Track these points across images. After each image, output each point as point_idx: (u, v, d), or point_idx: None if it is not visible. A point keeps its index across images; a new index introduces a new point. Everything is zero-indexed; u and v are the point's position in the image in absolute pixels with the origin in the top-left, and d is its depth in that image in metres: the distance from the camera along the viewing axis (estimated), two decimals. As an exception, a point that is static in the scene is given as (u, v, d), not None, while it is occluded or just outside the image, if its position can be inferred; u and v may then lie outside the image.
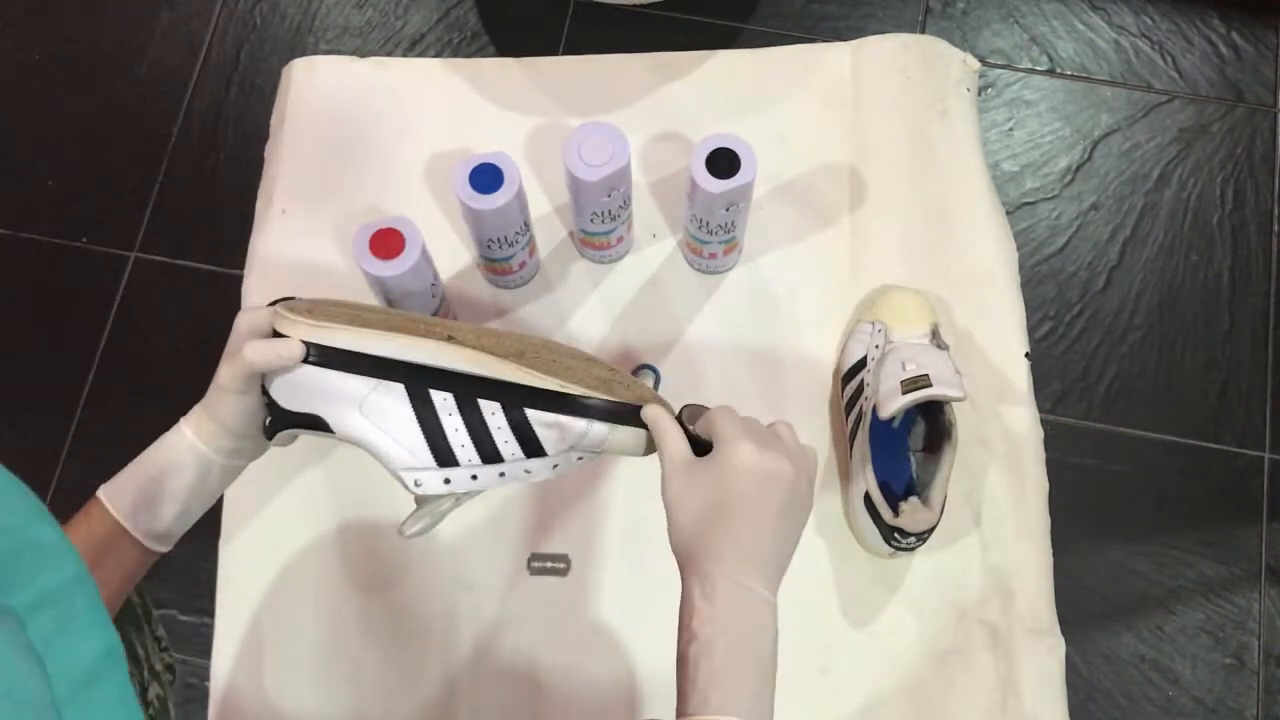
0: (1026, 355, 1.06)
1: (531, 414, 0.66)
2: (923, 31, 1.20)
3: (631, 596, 0.98)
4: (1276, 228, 1.14)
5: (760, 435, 0.64)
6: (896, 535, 0.91)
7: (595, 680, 0.96)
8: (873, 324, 1.02)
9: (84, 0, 1.24)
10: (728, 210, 0.96)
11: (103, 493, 0.69)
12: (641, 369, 0.76)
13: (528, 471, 0.67)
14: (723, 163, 0.93)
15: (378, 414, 0.66)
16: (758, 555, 0.60)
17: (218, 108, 1.19)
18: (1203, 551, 1.03)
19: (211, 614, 0.99)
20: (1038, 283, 1.11)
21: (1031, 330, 1.08)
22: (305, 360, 0.66)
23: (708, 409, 0.68)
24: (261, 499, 1.01)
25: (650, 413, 0.66)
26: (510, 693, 0.96)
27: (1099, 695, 0.99)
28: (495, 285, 1.08)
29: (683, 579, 0.63)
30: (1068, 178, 1.15)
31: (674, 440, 0.64)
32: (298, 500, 1.00)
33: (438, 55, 1.19)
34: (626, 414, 0.67)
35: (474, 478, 0.66)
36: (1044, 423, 1.04)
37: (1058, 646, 0.97)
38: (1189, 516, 1.04)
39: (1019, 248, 1.10)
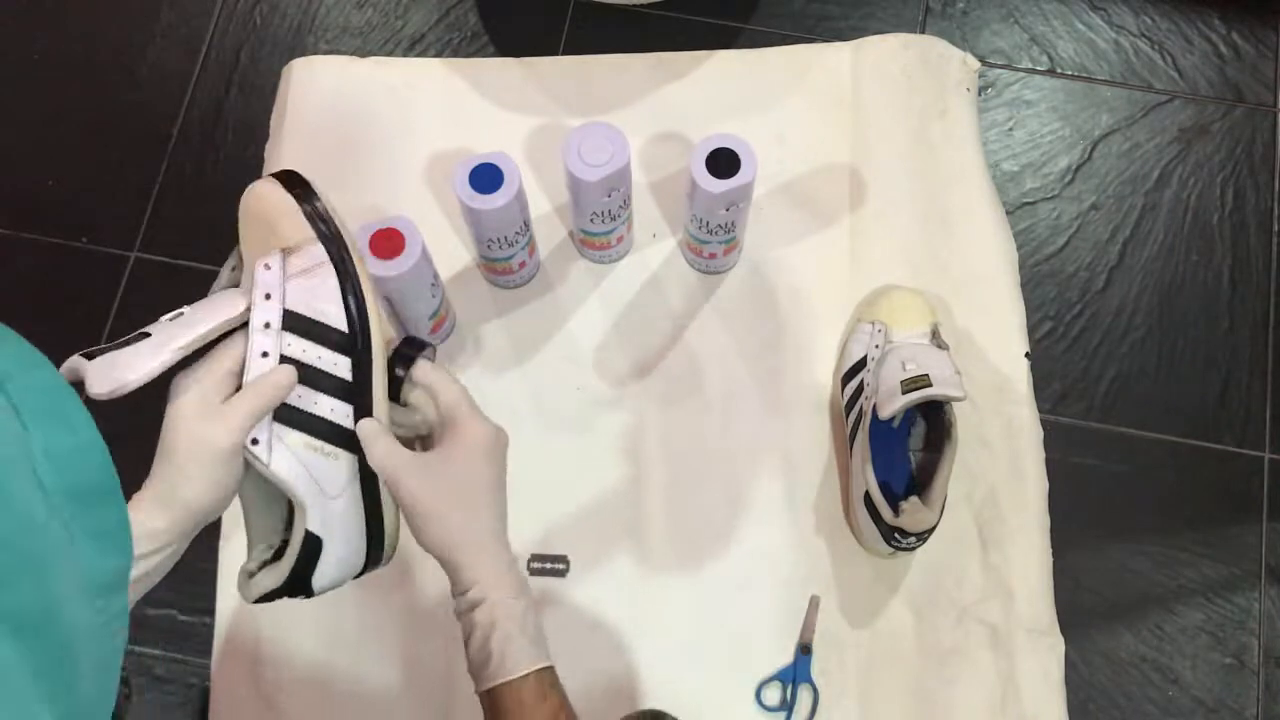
0: (1026, 355, 1.06)
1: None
2: (923, 31, 1.20)
3: (631, 596, 0.98)
4: (1276, 227, 1.14)
5: (471, 399, 0.67)
6: (896, 535, 0.91)
7: (595, 680, 0.96)
8: (873, 324, 1.02)
9: (84, 0, 1.24)
10: (728, 210, 0.96)
11: None
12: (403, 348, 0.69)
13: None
14: (723, 163, 0.93)
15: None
16: (502, 523, 0.66)
17: (218, 108, 1.19)
18: (1203, 551, 1.03)
19: (211, 614, 0.99)
20: (1038, 283, 1.11)
21: (1031, 330, 1.08)
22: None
23: (420, 354, 0.68)
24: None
25: (362, 429, 0.64)
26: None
27: (1099, 695, 0.99)
28: (495, 285, 1.08)
29: (449, 569, 0.65)
30: (1068, 178, 1.15)
31: (387, 447, 0.64)
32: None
33: (438, 55, 1.19)
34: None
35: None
36: (1044, 423, 1.04)
37: (1058, 646, 0.97)
38: (1189, 516, 1.04)
39: (1019, 248, 1.10)
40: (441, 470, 0.65)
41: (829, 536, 1.00)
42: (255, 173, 1.14)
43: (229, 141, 1.18)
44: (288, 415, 0.63)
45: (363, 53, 1.19)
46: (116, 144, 1.18)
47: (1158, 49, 1.20)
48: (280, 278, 0.63)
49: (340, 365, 0.64)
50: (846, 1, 1.22)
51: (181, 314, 0.64)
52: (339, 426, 0.64)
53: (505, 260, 1.02)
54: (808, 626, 0.97)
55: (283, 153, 1.12)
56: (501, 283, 1.07)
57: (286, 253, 0.64)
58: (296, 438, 0.63)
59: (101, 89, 1.20)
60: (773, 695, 0.96)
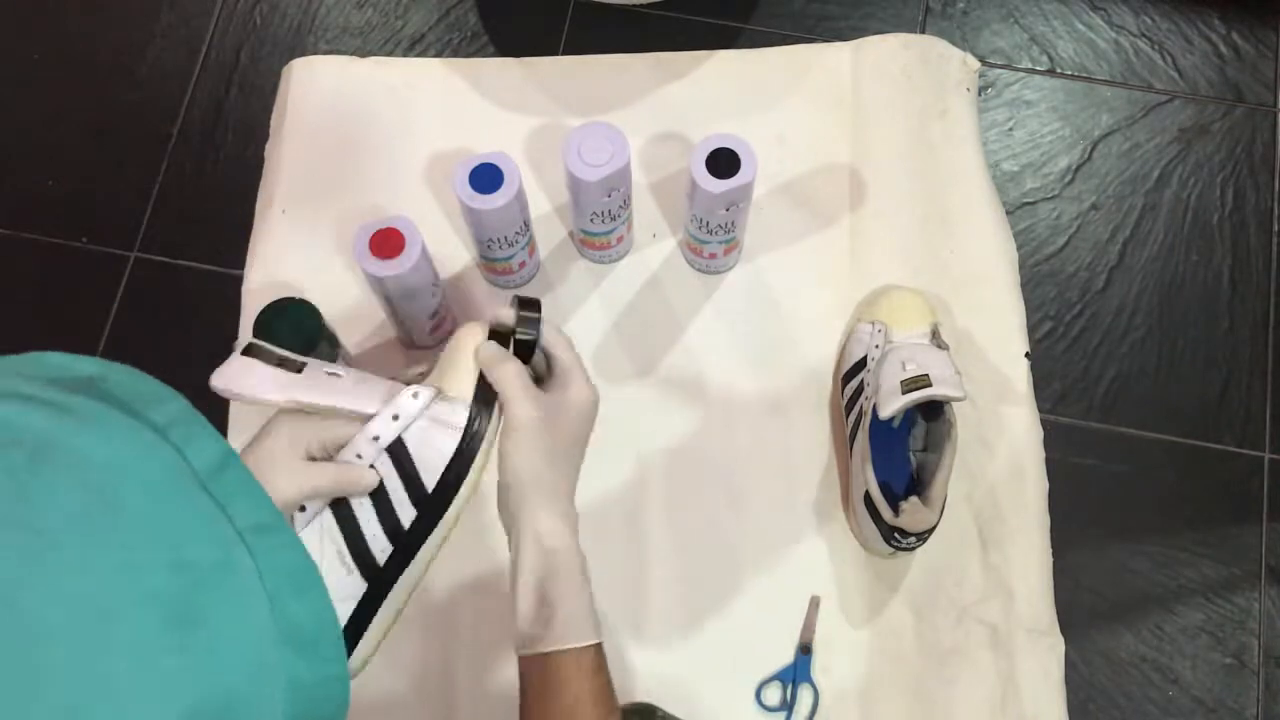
0: (1026, 355, 1.06)
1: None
2: (923, 31, 1.20)
3: (631, 596, 0.98)
4: (1276, 227, 1.14)
5: (581, 361, 0.71)
6: (896, 535, 0.91)
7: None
8: (873, 324, 1.02)
9: (84, 0, 1.24)
10: (728, 210, 0.96)
11: None
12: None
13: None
14: (723, 163, 0.93)
15: None
16: (575, 478, 0.69)
17: (218, 108, 1.19)
18: (1203, 551, 1.03)
19: (211, 614, 0.99)
20: (1038, 283, 1.11)
21: (1031, 330, 1.08)
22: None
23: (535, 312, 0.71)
24: (261, 499, 1.01)
25: (485, 351, 0.68)
26: (511, 692, 0.95)
27: (1099, 695, 0.99)
28: (495, 285, 1.08)
29: (521, 503, 0.66)
30: (1068, 178, 1.15)
31: (515, 369, 0.68)
32: (298, 500, 1.00)
33: (438, 55, 1.19)
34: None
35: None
36: (1044, 423, 1.04)
37: (1058, 646, 0.97)
38: (1189, 516, 1.04)
39: (1019, 248, 1.11)
40: (552, 407, 0.67)
41: (829, 536, 1.00)
42: (255, 173, 1.14)
43: (229, 141, 1.18)
44: (339, 512, 0.65)
45: (363, 53, 1.19)
46: (116, 144, 1.18)
47: (1158, 49, 1.20)
48: (416, 412, 0.66)
49: (405, 512, 0.66)
50: (846, 1, 1.22)
51: (338, 376, 0.67)
52: (369, 554, 0.65)
53: (505, 260, 1.02)
54: (808, 626, 0.97)
55: (283, 153, 1.12)
56: (501, 283, 1.07)
57: (439, 395, 0.67)
58: (334, 533, 0.65)
59: (101, 89, 1.20)
60: (773, 695, 0.96)
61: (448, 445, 0.66)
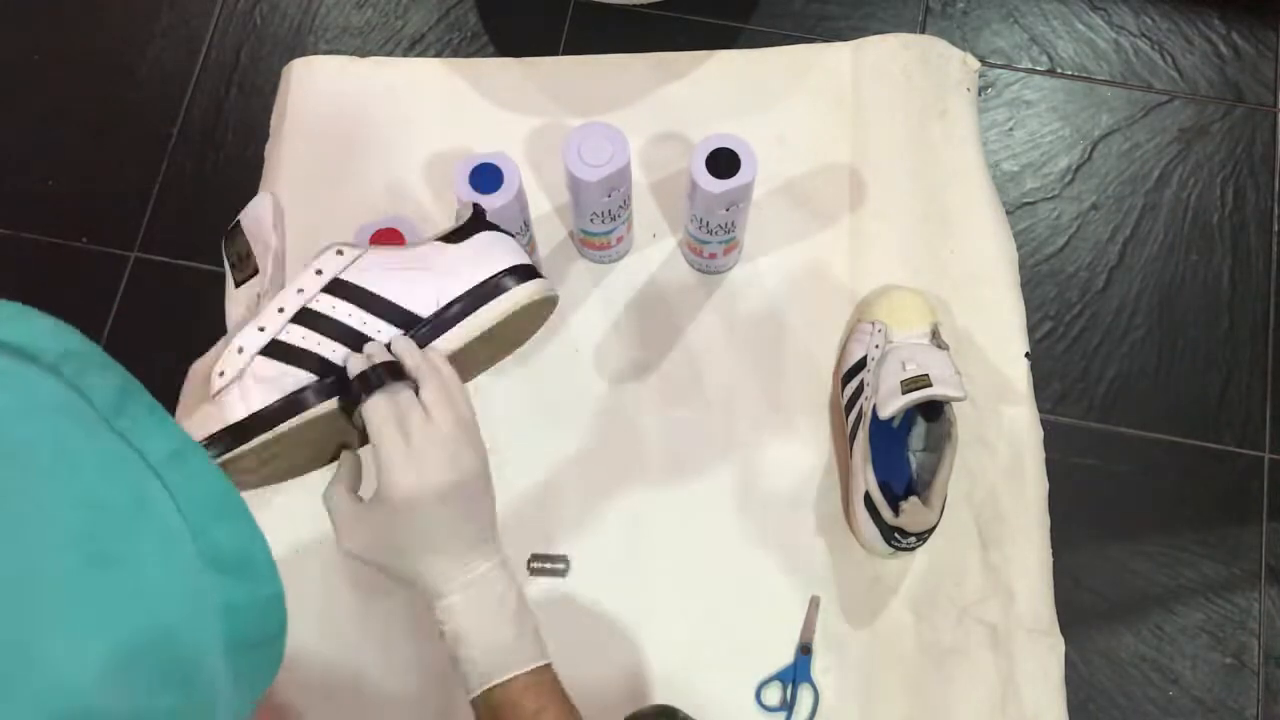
0: (1026, 355, 1.06)
1: None
2: (923, 31, 1.20)
3: (631, 596, 0.98)
4: (1276, 227, 1.14)
5: (413, 442, 0.65)
6: (896, 535, 0.91)
7: (595, 680, 0.96)
8: (873, 324, 1.02)
9: (84, 0, 1.24)
10: (728, 210, 0.96)
11: None
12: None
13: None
14: (723, 163, 0.93)
15: None
16: (478, 540, 0.66)
17: (218, 108, 1.19)
18: (1203, 551, 1.03)
19: (211, 614, 0.99)
20: (1038, 283, 1.11)
21: (1031, 330, 1.08)
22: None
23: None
24: (261, 500, 1.01)
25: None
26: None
27: (1099, 695, 0.99)
28: (495, 285, 1.08)
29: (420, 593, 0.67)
30: (1068, 178, 1.15)
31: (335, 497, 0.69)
32: (298, 500, 1.00)
33: (438, 55, 1.19)
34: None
35: None
36: (1044, 423, 1.04)
37: (1058, 646, 0.97)
38: (1189, 516, 1.04)
39: (1019, 248, 1.11)
40: (373, 519, 0.66)
41: (829, 536, 1.00)
42: (255, 173, 1.14)
43: (229, 141, 1.18)
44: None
45: (363, 53, 1.19)
46: (116, 144, 1.18)
47: (1158, 49, 1.20)
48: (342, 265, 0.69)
49: (383, 333, 0.68)
50: (846, 1, 1.22)
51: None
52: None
53: (505, 260, 1.02)
54: (808, 626, 0.97)
55: (283, 153, 1.12)
56: (501, 283, 1.07)
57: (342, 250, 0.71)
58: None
59: (101, 89, 1.20)
60: (773, 695, 0.96)
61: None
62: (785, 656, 0.97)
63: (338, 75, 1.16)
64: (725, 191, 0.93)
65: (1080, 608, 1.01)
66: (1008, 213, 1.12)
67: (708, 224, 0.99)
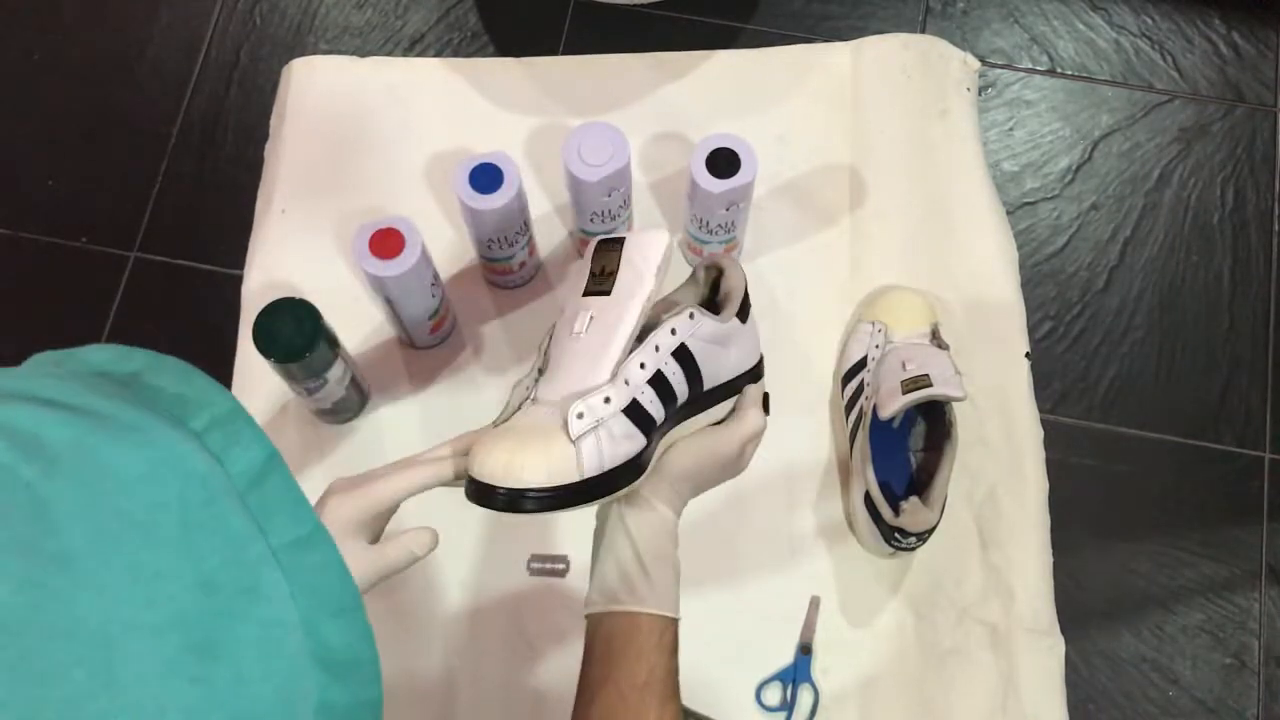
0: (1026, 355, 1.06)
1: None
2: (923, 31, 1.20)
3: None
4: (1276, 227, 1.14)
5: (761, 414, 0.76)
6: (896, 535, 0.91)
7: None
8: (873, 324, 1.01)
9: (83, 0, 1.24)
10: (728, 210, 0.96)
11: None
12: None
13: None
14: (723, 163, 0.93)
15: None
16: (689, 493, 0.72)
17: (218, 107, 1.19)
18: (1203, 551, 1.03)
19: (211, 614, 0.99)
20: (1038, 283, 1.11)
21: (1031, 330, 1.08)
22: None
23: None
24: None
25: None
26: (511, 693, 0.96)
27: (1099, 695, 0.99)
28: (495, 285, 1.08)
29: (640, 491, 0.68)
30: (1068, 178, 1.15)
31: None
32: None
33: (438, 55, 1.19)
34: None
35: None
36: (1044, 423, 1.04)
37: (1058, 646, 0.97)
38: (1189, 516, 1.04)
39: (1019, 248, 1.10)
40: (722, 433, 0.73)
41: (829, 536, 1.00)
42: (255, 173, 1.14)
43: (229, 141, 1.18)
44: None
45: (363, 53, 1.19)
46: (116, 144, 1.18)
47: (1158, 49, 1.20)
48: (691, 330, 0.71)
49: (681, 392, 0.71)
50: (846, 1, 1.22)
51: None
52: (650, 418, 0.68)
53: (505, 260, 1.02)
54: (808, 626, 0.97)
55: (283, 153, 1.12)
56: (501, 283, 1.07)
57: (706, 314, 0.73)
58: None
59: (101, 89, 1.20)
60: (773, 695, 0.96)
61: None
62: (785, 656, 0.97)
63: (338, 75, 1.16)
64: (725, 191, 0.93)
65: (1080, 608, 1.01)
66: (1008, 213, 1.12)
67: (708, 224, 0.99)
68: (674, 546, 0.68)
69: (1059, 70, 1.19)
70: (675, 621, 0.66)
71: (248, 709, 0.33)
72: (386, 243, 0.90)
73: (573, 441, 0.62)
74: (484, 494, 0.62)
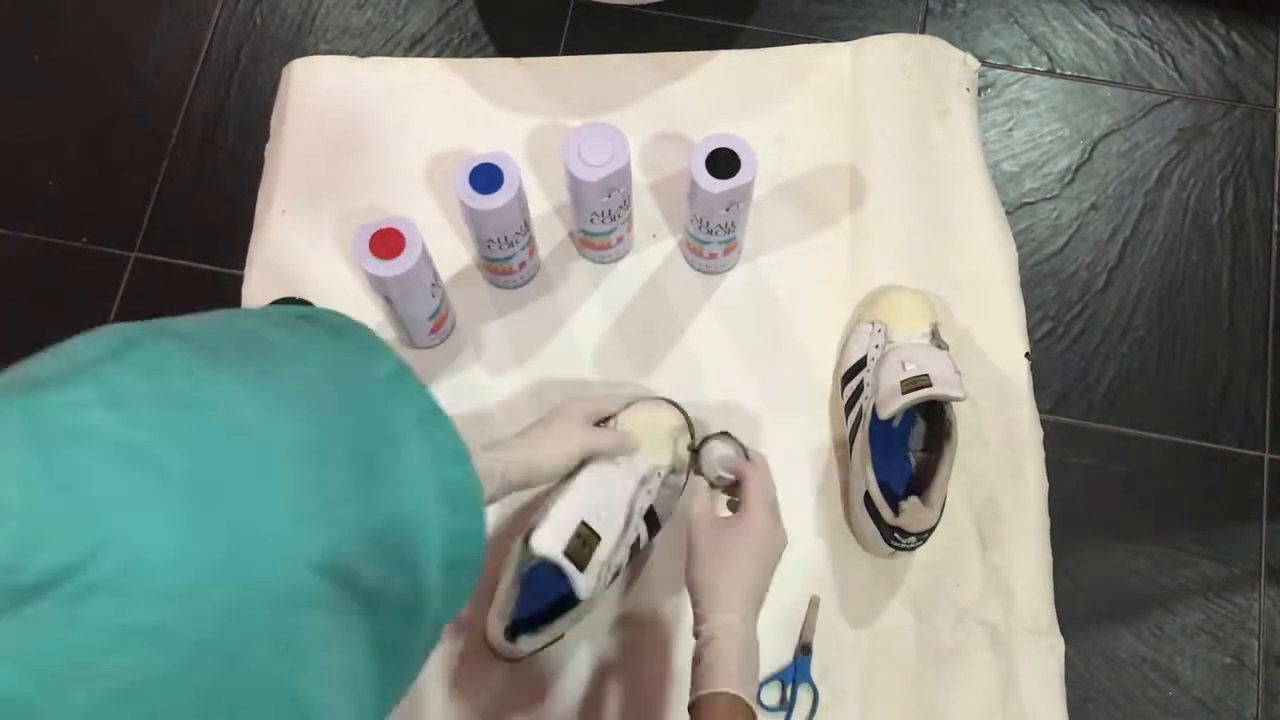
0: (1026, 355, 1.06)
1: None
2: (923, 32, 1.20)
3: (631, 596, 0.98)
4: (1276, 228, 1.14)
5: (772, 500, 0.85)
6: (896, 535, 0.91)
7: (595, 679, 0.96)
8: (873, 324, 1.02)
9: (84, 1, 1.24)
10: (727, 210, 0.96)
11: None
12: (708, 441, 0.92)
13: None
14: (723, 163, 0.93)
15: None
16: (754, 595, 0.80)
17: (218, 108, 1.19)
18: (1203, 551, 1.03)
19: (211, 614, 0.99)
20: (1038, 283, 1.11)
21: (1031, 330, 1.08)
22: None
23: (740, 451, 0.91)
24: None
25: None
26: (510, 693, 0.96)
27: (1099, 695, 0.99)
28: (495, 285, 1.08)
29: (698, 603, 0.80)
30: (1068, 178, 1.15)
31: (703, 501, 0.85)
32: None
33: (438, 55, 1.19)
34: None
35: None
36: (1044, 423, 1.04)
37: (1057, 646, 0.97)
38: (1189, 516, 1.04)
39: (1019, 248, 1.11)
40: (730, 534, 0.81)
41: (829, 536, 1.00)
42: (255, 173, 1.14)
43: (229, 141, 1.18)
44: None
45: (363, 53, 1.19)
46: (116, 144, 1.18)
47: (1157, 49, 1.20)
48: (658, 487, 0.94)
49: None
50: (846, 1, 1.22)
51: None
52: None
53: (505, 260, 1.02)
54: (808, 626, 0.97)
55: (283, 153, 1.12)
56: (501, 283, 1.07)
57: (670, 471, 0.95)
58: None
59: (101, 89, 1.20)
60: (772, 695, 0.96)
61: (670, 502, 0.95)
62: (785, 656, 0.97)
63: (338, 75, 1.16)
64: (725, 191, 0.93)
65: (1080, 608, 1.01)
66: (1008, 213, 1.12)
67: (708, 224, 0.99)
68: (733, 645, 0.77)
69: (1058, 71, 1.19)
70: (743, 701, 0.74)
71: (401, 517, 0.48)
72: (386, 243, 0.90)
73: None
74: None
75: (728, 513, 0.89)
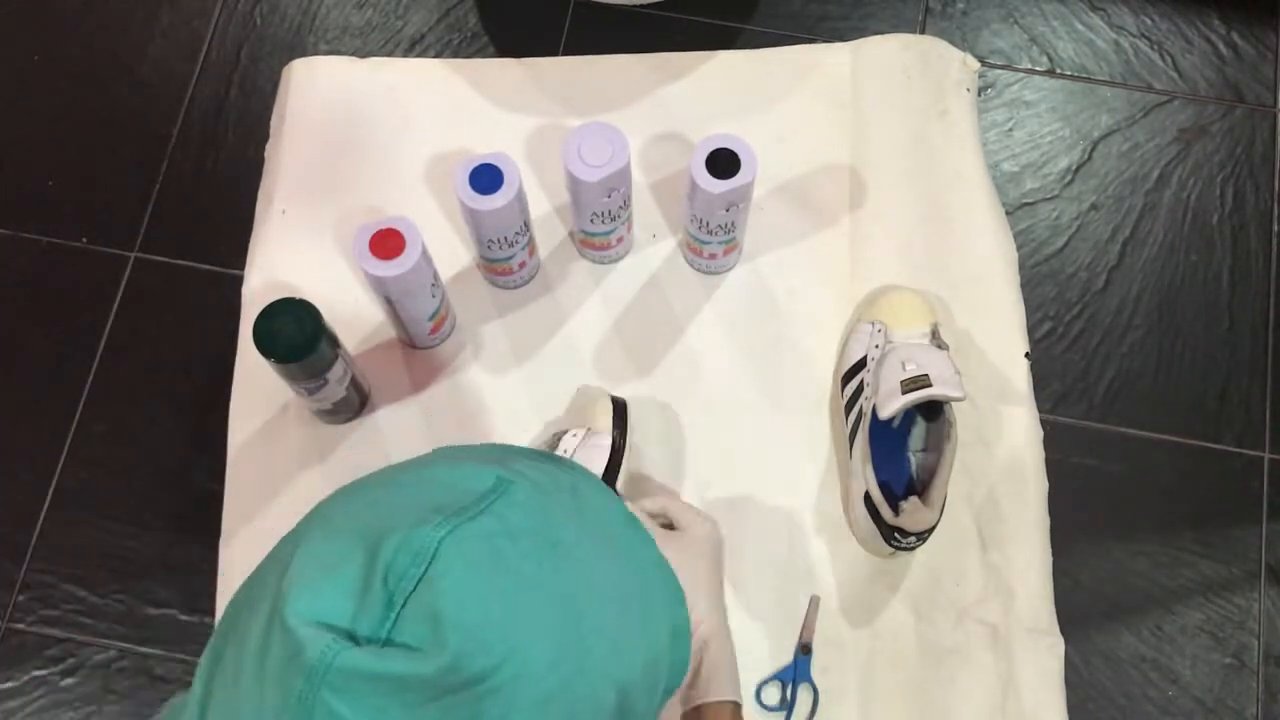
0: (1026, 355, 1.06)
1: None
2: (923, 32, 1.20)
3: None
4: (1276, 228, 1.14)
5: (701, 514, 0.87)
6: (896, 535, 0.91)
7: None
8: (873, 324, 1.02)
9: (84, 1, 1.24)
10: (728, 210, 0.96)
11: None
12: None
13: None
14: (723, 163, 0.93)
15: None
16: (721, 595, 0.82)
17: (218, 108, 1.19)
18: (1203, 551, 1.03)
19: (212, 614, 0.99)
20: (1038, 283, 1.11)
21: (1031, 330, 1.08)
22: None
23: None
24: (262, 499, 1.01)
25: None
26: None
27: (1098, 695, 0.99)
28: (495, 285, 1.08)
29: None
30: (1067, 178, 1.15)
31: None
32: (298, 500, 1.00)
33: (438, 55, 1.19)
34: None
35: None
36: (1044, 423, 1.04)
37: (1057, 646, 0.97)
38: (1189, 516, 1.04)
39: (1019, 248, 1.11)
40: (679, 544, 0.83)
41: (829, 536, 1.00)
42: (256, 173, 1.14)
43: (229, 141, 1.18)
44: None
45: (363, 53, 1.19)
46: (116, 144, 1.18)
47: (1157, 49, 1.20)
48: (575, 446, 0.94)
49: None
50: (846, 1, 1.22)
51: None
52: None
53: (505, 261, 1.02)
54: (808, 626, 0.97)
55: (283, 153, 1.12)
56: (501, 283, 1.07)
57: (590, 431, 0.95)
58: None
59: (101, 89, 1.20)
60: (772, 695, 0.96)
61: (601, 459, 0.93)
62: (785, 656, 0.97)
63: (338, 75, 1.16)
64: (725, 192, 0.93)
65: (1080, 608, 1.01)
66: (1008, 213, 1.12)
67: (708, 224, 0.99)
68: (716, 645, 0.79)
69: (1058, 71, 1.19)
70: (730, 704, 0.76)
71: (655, 649, 0.55)
72: (386, 243, 0.90)
73: None
74: None
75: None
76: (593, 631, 0.50)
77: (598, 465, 0.92)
